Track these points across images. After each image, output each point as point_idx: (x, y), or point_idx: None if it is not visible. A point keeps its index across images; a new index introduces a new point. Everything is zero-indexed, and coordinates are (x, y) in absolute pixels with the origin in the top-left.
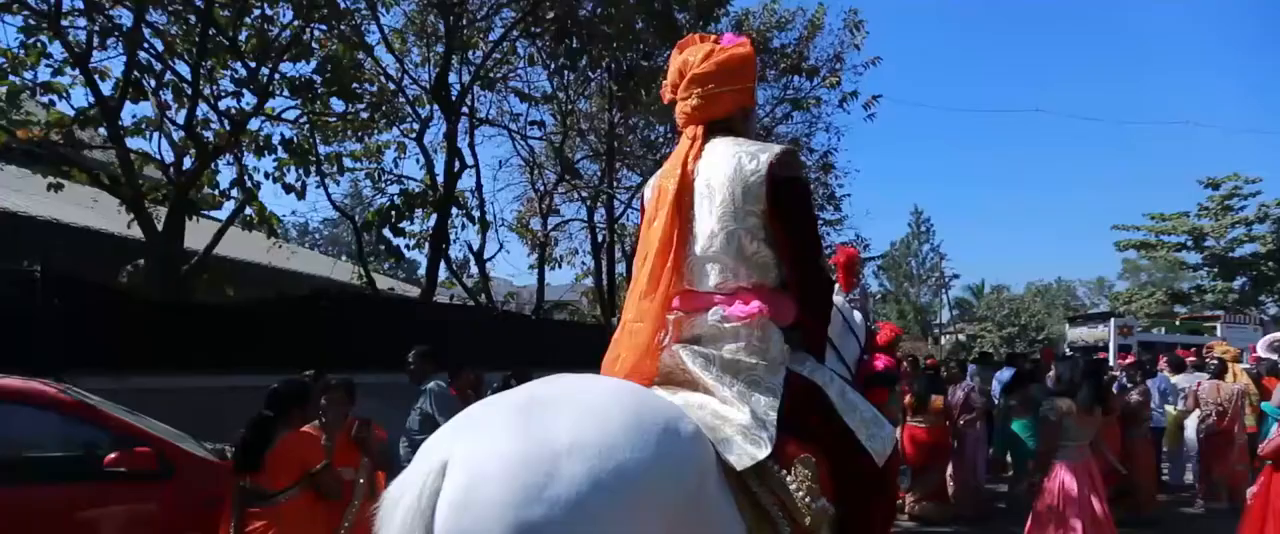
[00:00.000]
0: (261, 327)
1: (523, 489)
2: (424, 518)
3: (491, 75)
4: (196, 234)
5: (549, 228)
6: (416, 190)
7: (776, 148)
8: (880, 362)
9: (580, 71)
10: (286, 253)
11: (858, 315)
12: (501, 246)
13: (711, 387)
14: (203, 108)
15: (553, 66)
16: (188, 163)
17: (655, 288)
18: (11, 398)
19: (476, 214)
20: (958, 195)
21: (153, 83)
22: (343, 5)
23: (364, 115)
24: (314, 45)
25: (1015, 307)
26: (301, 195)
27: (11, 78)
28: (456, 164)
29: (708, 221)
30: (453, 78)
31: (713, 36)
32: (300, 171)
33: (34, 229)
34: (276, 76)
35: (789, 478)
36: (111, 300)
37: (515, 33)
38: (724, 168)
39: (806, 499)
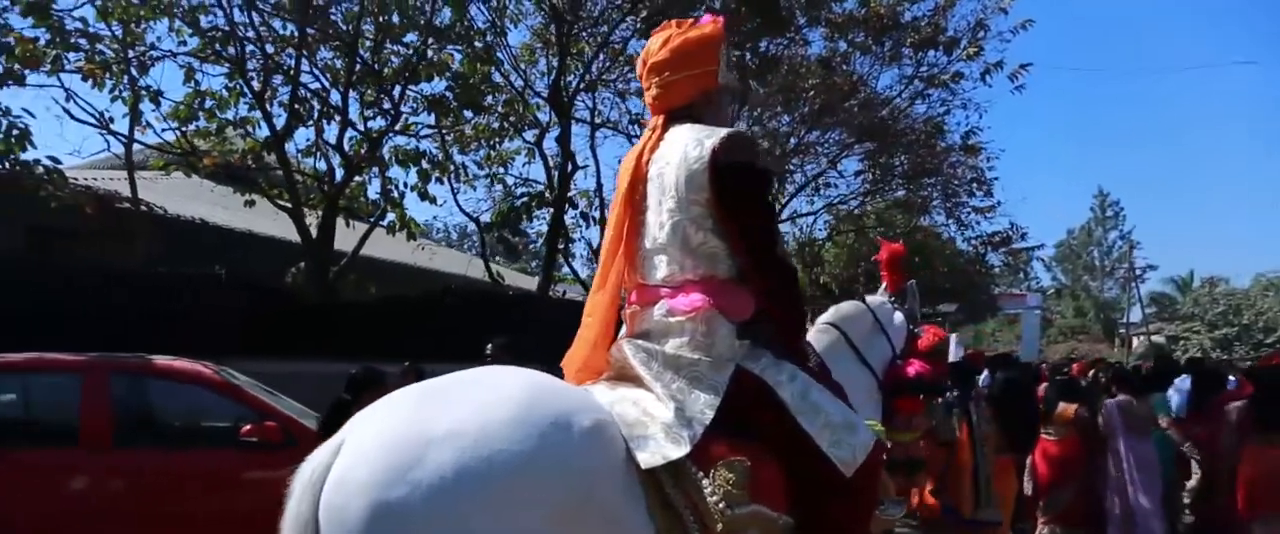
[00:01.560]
0: (394, 320)
1: (389, 470)
2: (314, 492)
3: (605, 77)
4: (351, 239)
5: None
6: (537, 193)
7: (723, 132)
8: (913, 367)
9: None
10: (429, 253)
11: (899, 316)
12: None
13: (649, 382)
14: (351, 131)
15: None
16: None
17: (603, 283)
18: (175, 377)
19: (596, 214)
20: (1147, 174)
21: (315, 108)
22: (473, 27)
23: (494, 125)
24: (445, 65)
25: (1235, 303)
26: (436, 202)
27: (220, 116)
28: (570, 165)
29: (657, 213)
30: (573, 81)
31: (687, 21)
32: (438, 180)
33: (226, 237)
34: (413, 96)
35: (705, 481)
36: (273, 297)
37: (625, 32)
38: (674, 157)
39: (721, 504)
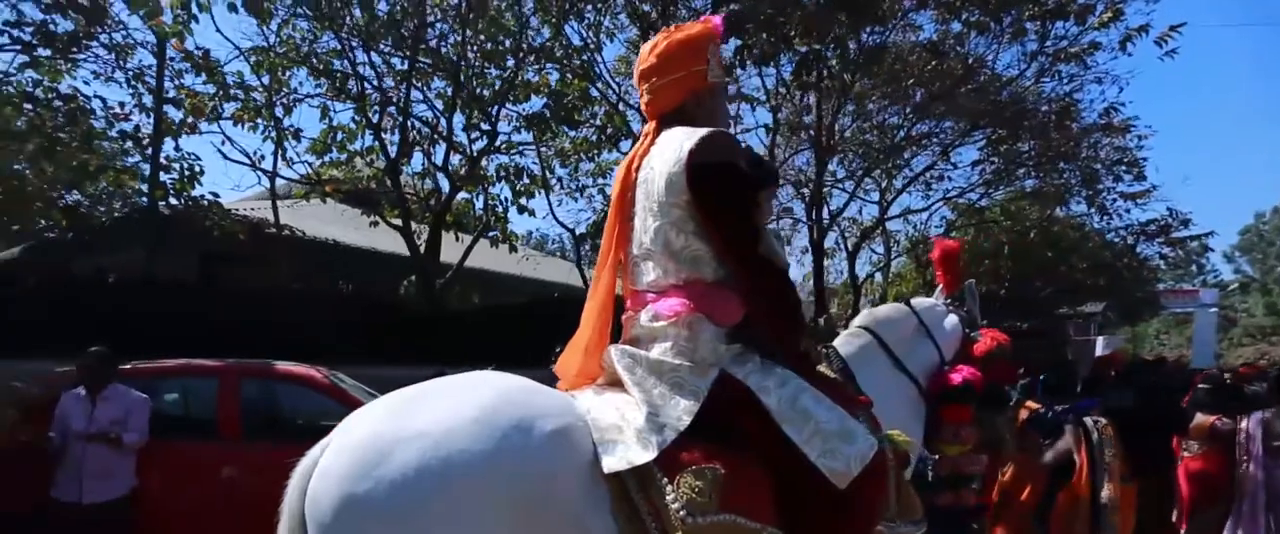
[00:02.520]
0: (494, 327)
1: (359, 466)
2: (304, 482)
3: None
4: (458, 252)
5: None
6: None
7: (701, 132)
8: (959, 374)
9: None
10: (533, 262)
11: (951, 319)
12: None
13: (630, 388)
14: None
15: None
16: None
17: (597, 289)
18: (292, 380)
19: None
20: None
21: (425, 133)
22: (570, 45)
23: (592, 138)
24: (545, 84)
25: None
26: (534, 215)
27: (349, 147)
28: None
29: (643, 219)
30: None
31: (679, 26)
32: (536, 193)
33: (353, 255)
34: (513, 115)
35: (669, 487)
36: (386, 309)
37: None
38: (657, 161)
39: (682, 513)
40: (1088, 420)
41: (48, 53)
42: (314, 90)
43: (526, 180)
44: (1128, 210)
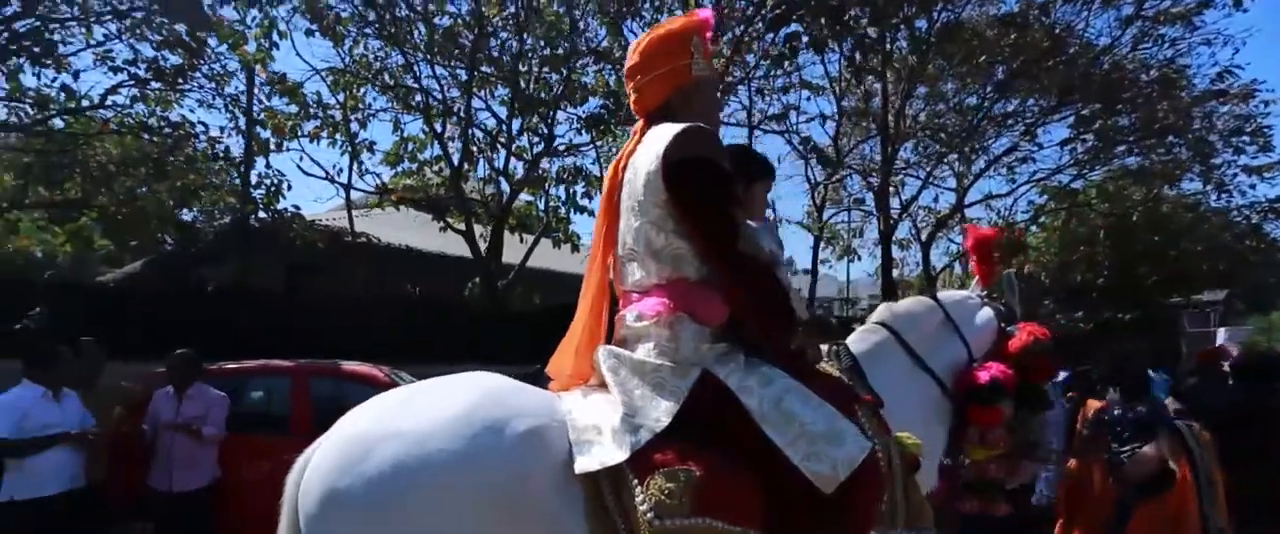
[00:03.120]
0: (554, 326)
1: (342, 462)
2: (299, 475)
3: (753, 75)
4: (521, 254)
5: (825, 219)
6: None
7: (677, 128)
8: (986, 372)
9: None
10: None
11: (984, 313)
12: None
13: (612, 388)
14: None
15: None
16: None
17: (587, 290)
18: (356, 379)
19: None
20: None
21: (485, 139)
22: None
23: None
24: (604, 85)
25: None
26: (593, 216)
27: (419, 156)
28: None
29: (628, 218)
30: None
31: (665, 21)
32: (599, 193)
33: (422, 259)
34: (572, 117)
35: (639, 489)
36: (452, 310)
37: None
38: (640, 159)
39: (650, 515)
40: (1181, 425)
41: (159, 85)
42: (385, 105)
43: (584, 183)
44: (1252, 186)
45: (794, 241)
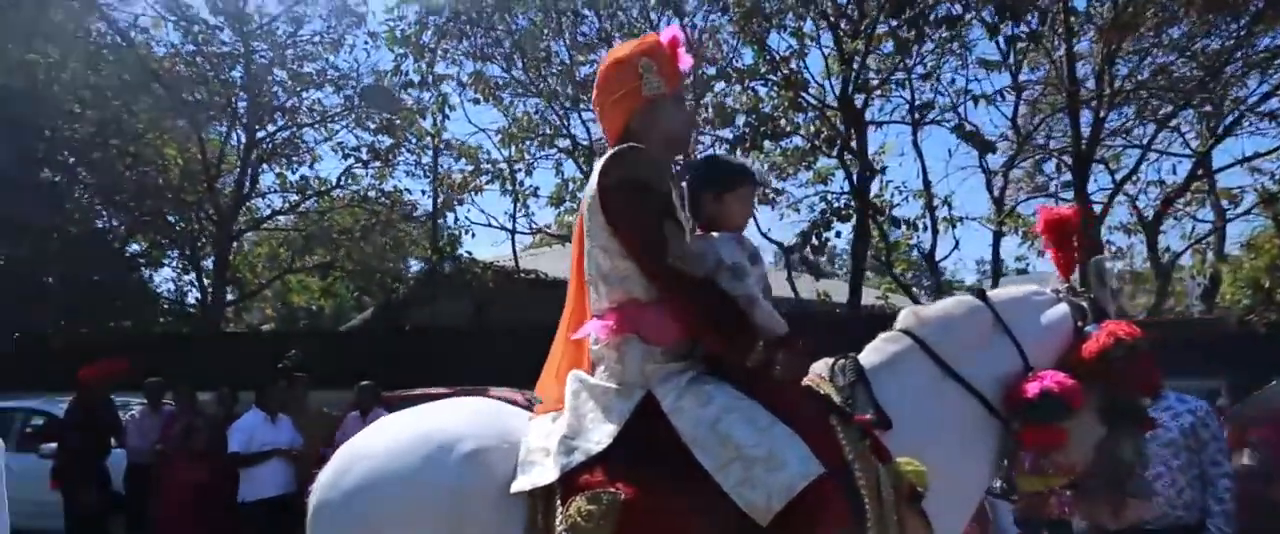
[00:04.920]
0: None
1: (332, 476)
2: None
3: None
4: None
5: (1005, 211)
6: (836, 206)
7: (610, 152)
8: (1037, 383)
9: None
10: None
11: (1054, 312)
12: (956, 245)
13: (567, 410)
14: None
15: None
16: None
17: (565, 315)
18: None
19: (925, 218)
20: None
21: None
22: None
23: (804, 146)
24: (754, 105)
25: None
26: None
27: (579, 195)
28: (868, 171)
29: (585, 244)
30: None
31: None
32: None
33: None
34: (719, 141)
35: (560, 510)
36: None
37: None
38: (588, 187)
39: None
40: None
41: (376, 164)
42: (546, 153)
43: None
44: None
45: (971, 240)
